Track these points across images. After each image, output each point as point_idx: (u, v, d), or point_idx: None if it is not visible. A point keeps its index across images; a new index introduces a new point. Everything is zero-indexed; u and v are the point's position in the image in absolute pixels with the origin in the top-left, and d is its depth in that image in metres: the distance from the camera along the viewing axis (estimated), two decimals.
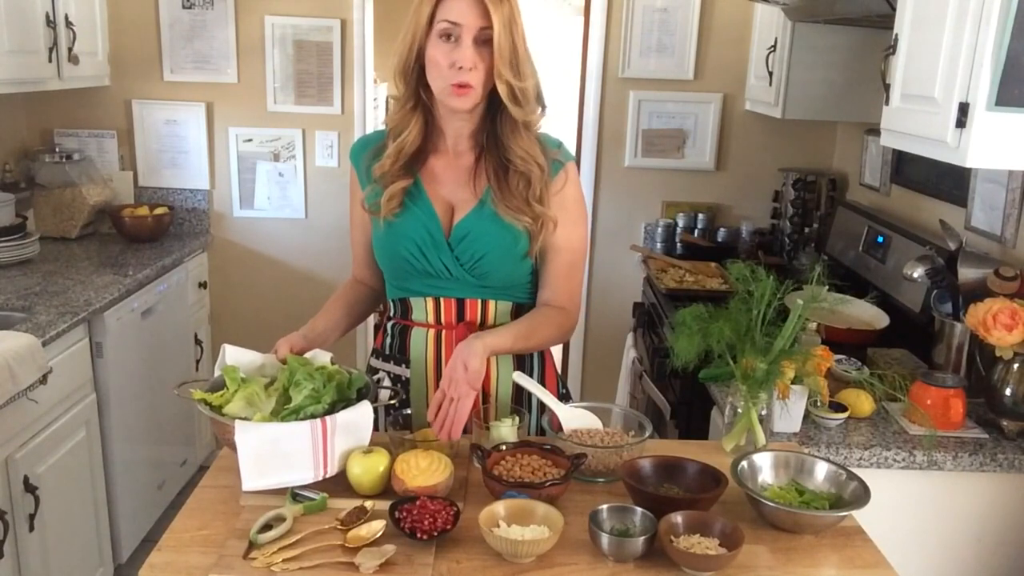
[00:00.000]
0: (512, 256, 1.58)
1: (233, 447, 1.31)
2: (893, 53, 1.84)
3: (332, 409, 1.39)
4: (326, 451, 1.34)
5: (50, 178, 3.21)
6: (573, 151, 3.30)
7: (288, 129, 3.45)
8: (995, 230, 2.17)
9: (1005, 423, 1.81)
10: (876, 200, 2.99)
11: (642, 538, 1.19)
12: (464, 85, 1.45)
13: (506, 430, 1.48)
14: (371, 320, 3.29)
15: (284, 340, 1.54)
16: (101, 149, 3.43)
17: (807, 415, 1.79)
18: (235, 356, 1.50)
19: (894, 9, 1.86)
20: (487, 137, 1.56)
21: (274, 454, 1.31)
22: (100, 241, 3.27)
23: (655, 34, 3.36)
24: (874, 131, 2.78)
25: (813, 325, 2.05)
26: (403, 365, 1.68)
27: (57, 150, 3.28)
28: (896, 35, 1.83)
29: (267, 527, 1.23)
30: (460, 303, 1.62)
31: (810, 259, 3.06)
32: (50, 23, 2.78)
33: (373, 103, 3.77)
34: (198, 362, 3.37)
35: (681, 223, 3.47)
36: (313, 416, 1.36)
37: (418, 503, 1.24)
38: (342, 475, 1.35)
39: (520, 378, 1.58)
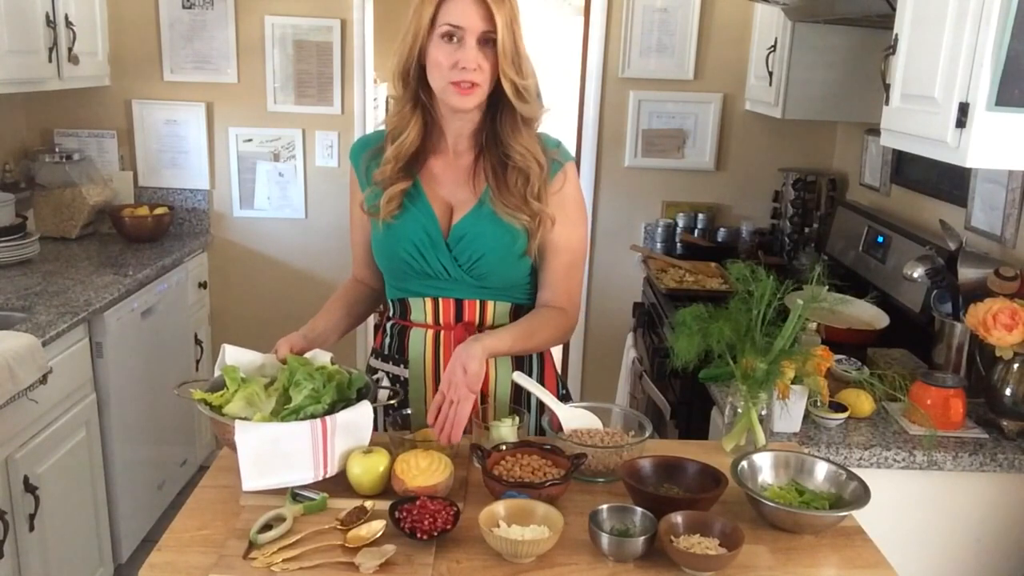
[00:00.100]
0: (511, 256, 1.58)
1: (233, 447, 1.31)
2: (893, 53, 1.84)
3: (332, 409, 1.39)
4: (326, 451, 1.34)
5: (50, 178, 3.21)
6: (573, 151, 3.31)
7: (288, 129, 3.45)
8: (995, 230, 2.17)
9: (1005, 423, 1.81)
10: (876, 200, 2.99)
11: (642, 538, 1.19)
12: (469, 84, 1.45)
13: (506, 430, 1.48)
14: (371, 320, 3.29)
15: (284, 340, 1.54)
16: (101, 149, 3.43)
17: (807, 415, 1.79)
18: (235, 356, 1.50)
19: (894, 9, 1.86)
20: (486, 136, 1.56)
21: (274, 454, 1.31)
22: (100, 241, 3.27)
23: (655, 34, 3.36)
24: (874, 131, 2.78)
25: (813, 325, 2.05)
26: (402, 365, 1.68)
27: (57, 150, 3.28)
28: (896, 35, 1.83)
29: (267, 527, 1.23)
30: (459, 304, 1.62)
31: (810, 259, 3.06)
32: (50, 23, 2.77)
33: (373, 103, 3.77)
34: (198, 362, 3.37)
35: (681, 223, 3.47)
36: (313, 416, 1.36)
37: (418, 503, 1.24)
38: (342, 475, 1.35)
39: (520, 378, 1.58)
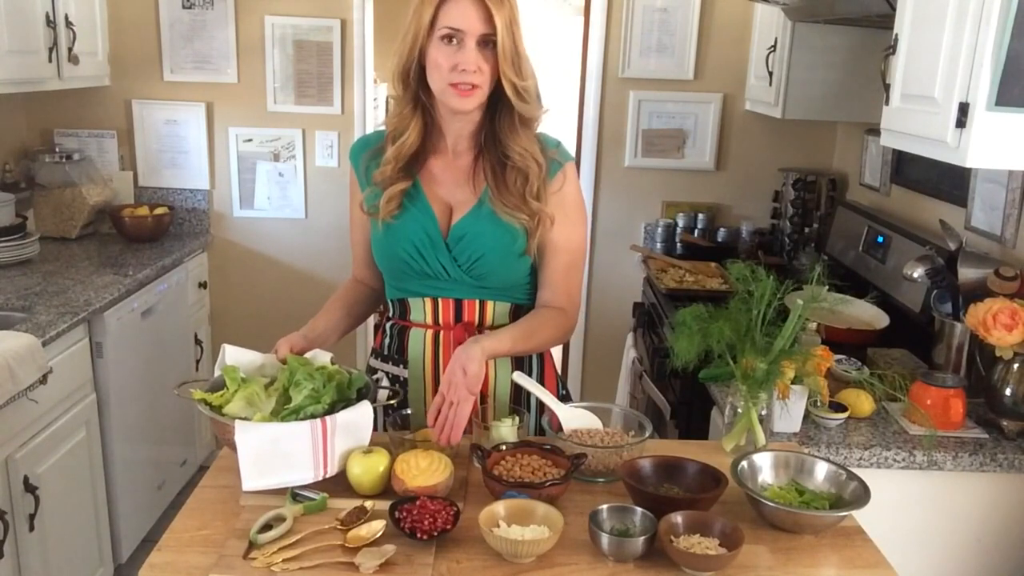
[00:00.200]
0: (510, 256, 1.58)
1: (233, 447, 1.31)
2: (893, 53, 1.84)
3: (332, 409, 1.39)
4: (326, 451, 1.34)
5: (50, 178, 3.21)
6: (573, 151, 3.31)
7: (288, 129, 3.45)
8: (995, 230, 2.17)
9: (1005, 423, 1.81)
10: (876, 200, 2.99)
11: (642, 538, 1.19)
12: (469, 85, 1.45)
13: (506, 430, 1.48)
14: (371, 320, 3.29)
15: (284, 340, 1.54)
16: (101, 149, 3.43)
17: (807, 415, 1.79)
18: (235, 356, 1.50)
19: (894, 9, 1.86)
20: (485, 136, 1.56)
21: (274, 454, 1.31)
22: (100, 241, 3.27)
23: (655, 34, 3.36)
24: (874, 131, 2.78)
25: (813, 325, 2.05)
26: (401, 365, 1.68)
27: (57, 150, 3.28)
28: (896, 35, 1.83)
29: (267, 527, 1.23)
30: (458, 304, 1.62)
31: (810, 259, 3.06)
32: (50, 23, 2.77)
33: (373, 103, 3.77)
34: (198, 362, 3.37)
35: (681, 223, 3.47)
36: (313, 416, 1.36)
37: (418, 503, 1.24)
38: (342, 475, 1.35)
39: (520, 378, 1.58)
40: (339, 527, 1.25)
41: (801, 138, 3.44)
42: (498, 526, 1.21)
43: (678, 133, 3.46)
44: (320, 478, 1.34)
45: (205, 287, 3.47)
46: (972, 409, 1.85)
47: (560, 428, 1.51)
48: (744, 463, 1.38)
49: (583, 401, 1.60)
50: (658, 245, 3.46)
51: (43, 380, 2.11)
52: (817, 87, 2.89)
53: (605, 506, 1.26)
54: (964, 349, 1.94)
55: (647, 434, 1.46)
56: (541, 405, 1.58)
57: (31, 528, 2.16)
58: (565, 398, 1.68)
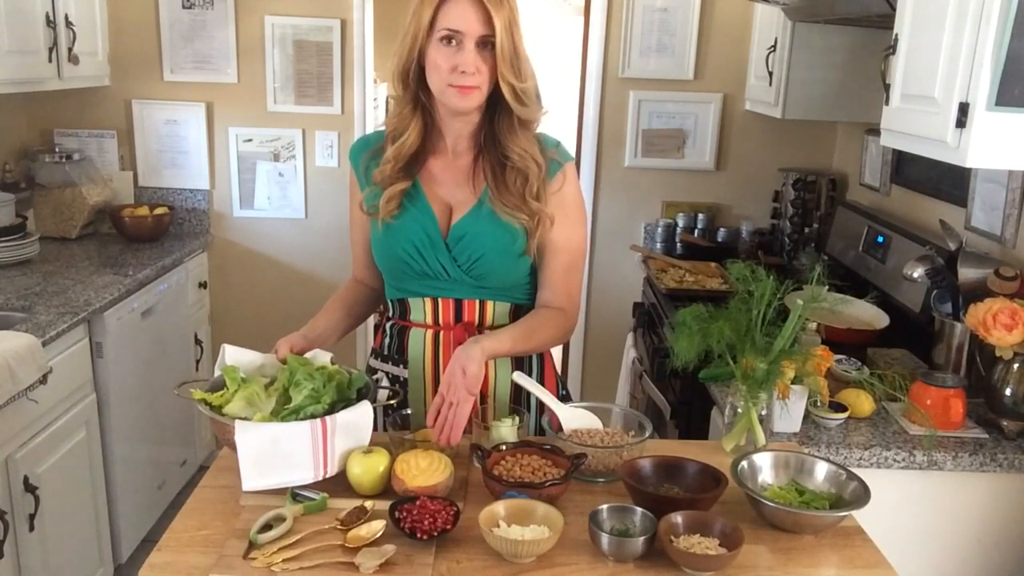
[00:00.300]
0: (510, 256, 1.58)
1: (233, 447, 1.31)
2: (893, 53, 1.84)
3: (332, 409, 1.39)
4: (326, 451, 1.34)
5: (50, 178, 3.21)
6: (573, 151, 3.31)
7: (288, 129, 3.45)
8: (995, 230, 2.17)
9: (1005, 423, 1.81)
10: (876, 200, 2.99)
11: (642, 538, 1.19)
12: (469, 87, 1.45)
13: (506, 430, 1.48)
14: (371, 320, 3.29)
15: (284, 340, 1.54)
16: (101, 149, 3.43)
17: (807, 415, 1.79)
18: (235, 356, 1.50)
19: (894, 9, 1.86)
20: (485, 137, 1.56)
21: (274, 454, 1.31)
22: (100, 241, 3.27)
23: (655, 34, 3.36)
24: (874, 131, 2.78)
25: (813, 325, 2.05)
26: (401, 366, 1.68)
27: (57, 150, 3.28)
28: (896, 35, 1.83)
29: (267, 527, 1.23)
30: (458, 304, 1.62)
31: (810, 259, 3.06)
32: (50, 23, 2.77)
33: (373, 103, 3.77)
34: (198, 362, 3.37)
35: (681, 223, 3.47)
36: (313, 416, 1.36)
37: (418, 503, 1.24)
38: (342, 475, 1.35)
39: (520, 378, 1.58)
40: (339, 527, 1.25)
41: (801, 138, 3.44)
42: (498, 526, 1.21)
43: (678, 133, 3.46)
44: (320, 478, 1.34)
45: (205, 287, 3.47)
46: (972, 409, 1.85)
47: (560, 428, 1.51)
48: (744, 463, 1.38)
49: (583, 401, 1.60)
50: (658, 245, 3.46)
51: (43, 380, 2.11)
52: (817, 87, 2.89)
53: (605, 506, 1.26)
54: (964, 349, 1.94)
55: (647, 434, 1.46)
56: (541, 405, 1.58)
57: (31, 528, 2.16)
58: (565, 398, 1.68)
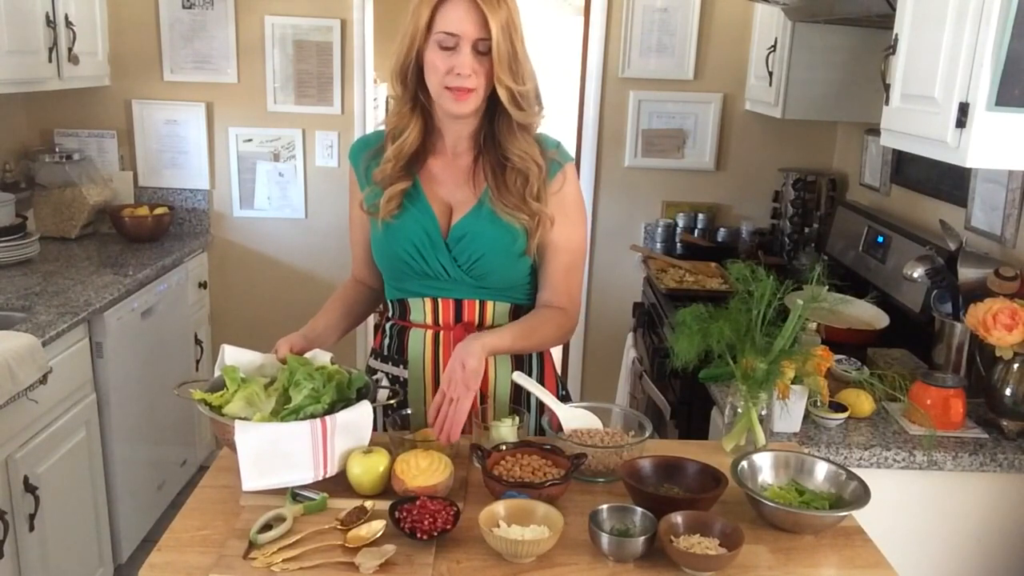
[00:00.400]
0: (510, 256, 1.58)
1: (233, 447, 1.31)
2: (893, 53, 1.84)
3: (332, 409, 1.39)
4: (326, 451, 1.34)
5: (50, 178, 3.21)
6: (573, 151, 3.31)
7: (288, 129, 3.45)
8: (995, 230, 2.17)
9: (1005, 423, 1.81)
10: (876, 200, 2.99)
11: (642, 538, 1.19)
12: (464, 89, 1.45)
13: (506, 430, 1.48)
14: (371, 320, 3.29)
15: (284, 340, 1.54)
16: (101, 149, 3.43)
17: (807, 415, 1.79)
18: (234, 356, 1.50)
19: (894, 9, 1.86)
20: (485, 137, 1.56)
21: (274, 454, 1.31)
22: (100, 241, 3.27)
23: (655, 34, 3.36)
24: (874, 131, 2.78)
25: (813, 325, 2.05)
26: (401, 366, 1.68)
27: (57, 150, 3.28)
28: (896, 35, 1.83)
29: (267, 527, 1.23)
30: (458, 304, 1.62)
31: (810, 259, 3.06)
32: (50, 23, 2.78)
33: (373, 103, 3.77)
34: (198, 362, 3.37)
35: (681, 223, 3.47)
36: (313, 416, 1.36)
37: (418, 503, 1.24)
38: (342, 475, 1.35)
39: (519, 378, 1.58)
40: (339, 527, 1.25)
41: (801, 138, 3.44)
42: (498, 526, 1.21)
43: (678, 133, 3.46)
44: (320, 478, 1.34)
45: (205, 287, 3.47)
46: (972, 409, 1.85)
47: (560, 428, 1.51)
48: (744, 463, 1.38)
49: (583, 401, 1.60)
50: (658, 245, 3.46)
51: (43, 380, 2.11)
52: (817, 87, 2.89)
53: (605, 506, 1.26)
54: (964, 349, 1.94)
55: (647, 434, 1.46)
56: (541, 405, 1.58)
57: (31, 528, 2.16)
58: (565, 398, 1.68)
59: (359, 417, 1.38)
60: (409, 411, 1.56)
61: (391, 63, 1.53)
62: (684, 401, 2.31)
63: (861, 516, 1.31)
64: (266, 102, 3.41)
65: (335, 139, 3.45)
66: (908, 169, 2.76)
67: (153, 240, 3.27)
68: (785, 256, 3.33)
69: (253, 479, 1.31)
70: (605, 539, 1.19)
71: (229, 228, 3.55)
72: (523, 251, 1.58)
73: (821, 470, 1.39)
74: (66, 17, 2.87)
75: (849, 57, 2.84)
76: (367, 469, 1.33)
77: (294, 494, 1.32)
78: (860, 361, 2.04)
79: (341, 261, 3.41)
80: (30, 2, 2.68)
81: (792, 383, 1.63)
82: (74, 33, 2.90)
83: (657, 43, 3.37)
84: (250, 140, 3.46)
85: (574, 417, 1.52)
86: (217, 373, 1.47)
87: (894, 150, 2.71)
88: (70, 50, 2.89)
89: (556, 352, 2.20)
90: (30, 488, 2.15)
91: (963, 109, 1.56)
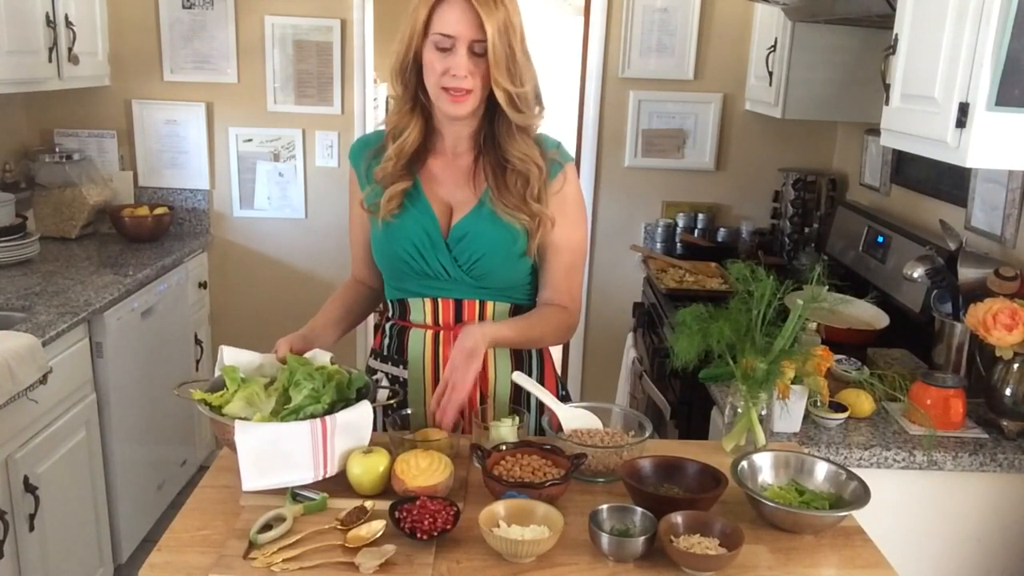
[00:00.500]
0: (510, 256, 1.58)
1: (233, 447, 1.31)
2: (893, 53, 1.84)
3: (332, 409, 1.39)
4: (326, 451, 1.34)
5: (50, 178, 3.21)
6: (573, 151, 3.31)
7: (288, 129, 3.45)
8: (995, 230, 2.17)
9: (1005, 423, 1.81)
10: (876, 200, 2.99)
11: (642, 538, 1.19)
12: (461, 90, 1.45)
13: (506, 430, 1.48)
14: (371, 320, 3.29)
15: (284, 340, 1.54)
16: (101, 149, 3.43)
17: (807, 415, 1.79)
18: (233, 357, 1.50)
19: (894, 9, 1.86)
20: (485, 138, 1.56)
21: (274, 454, 1.31)
22: (100, 241, 3.27)
23: (655, 34, 3.36)
24: (874, 131, 2.78)
25: (813, 325, 2.05)
26: (401, 366, 1.68)
27: (57, 150, 3.28)
28: (896, 35, 1.83)
29: (267, 527, 1.23)
30: (458, 304, 1.62)
31: (810, 259, 3.06)
32: (50, 23, 2.78)
33: (373, 103, 3.77)
34: (198, 362, 3.37)
35: (681, 223, 3.47)
36: (313, 416, 1.36)
37: (418, 503, 1.24)
38: (342, 475, 1.35)
39: (519, 378, 1.58)
40: (339, 527, 1.25)
41: (801, 138, 3.44)
42: (498, 526, 1.21)
43: (678, 133, 3.46)
44: (320, 478, 1.34)
45: (205, 287, 3.47)
46: (972, 409, 1.85)
47: (560, 428, 1.51)
48: (744, 463, 1.38)
49: (583, 401, 1.60)
50: (658, 245, 3.46)
51: (43, 380, 2.10)
52: (817, 87, 2.89)
53: (605, 506, 1.26)
54: (964, 349, 1.94)
55: (647, 434, 1.46)
56: (541, 405, 1.58)
57: (31, 528, 2.16)
58: (565, 398, 1.68)
59: (359, 417, 1.38)
60: (409, 411, 1.56)
61: (391, 63, 1.53)
62: (684, 401, 2.31)
63: (861, 516, 1.31)
64: (266, 102, 3.41)
65: (335, 139, 3.45)
66: (908, 169, 2.76)
67: (153, 240, 3.27)
68: (785, 256, 3.33)
69: (253, 479, 1.31)
70: (605, 539, 1.19)
71: (229, 228, 3.55)
72: (523, 251, 1.58)
73: (821, 470, 1.39)
74: (66, 17, 2.87)
75: (849, 57, 2.84)
76: (367, 469, 1.33)
77: (294, 494, 1.32)
78: (860, 361, 2.04)
79: (341, 261, 3.41)
80: (30, 2, 2.68)
81: (792, 383, 1.63)
82: (74, 33, 2.90)
83: (657, 43, 3.37)
84: (250, 140, 3.46)
85: (574, 417, 1.52)
86: (217, 373, 1.47)
87: (894, 150, 2.71)
88: (70, 50, 2.89)
89: (556, 352, 2.21)
90: (30, 488, 2.15)
91: (963, 109, 1.56)
